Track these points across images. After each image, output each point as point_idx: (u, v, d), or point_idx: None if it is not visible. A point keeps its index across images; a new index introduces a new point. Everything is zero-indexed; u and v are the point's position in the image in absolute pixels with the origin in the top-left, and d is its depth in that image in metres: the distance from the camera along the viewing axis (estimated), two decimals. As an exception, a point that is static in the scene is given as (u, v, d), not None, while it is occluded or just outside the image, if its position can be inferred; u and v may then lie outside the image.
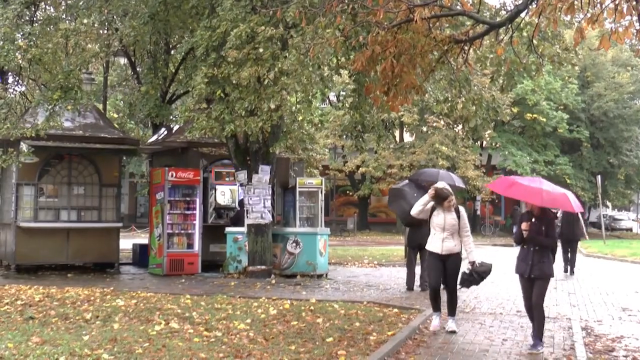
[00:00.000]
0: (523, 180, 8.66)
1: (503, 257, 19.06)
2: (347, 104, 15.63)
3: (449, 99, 13.69)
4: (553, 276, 7.92)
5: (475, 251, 8.67)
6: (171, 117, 17.43)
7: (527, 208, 8.30)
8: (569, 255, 17.03)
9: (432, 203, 8.56)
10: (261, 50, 11.46)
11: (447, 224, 8.46)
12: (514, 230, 8.58)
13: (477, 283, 8.64)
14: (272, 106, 11.72)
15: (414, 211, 8.76)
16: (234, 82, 12.25)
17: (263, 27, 11.00)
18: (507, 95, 28.30)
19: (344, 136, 35.21)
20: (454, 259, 8.55)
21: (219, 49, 12.71)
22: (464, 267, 8.68)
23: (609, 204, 47.72)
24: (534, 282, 7.81)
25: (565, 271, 16.86)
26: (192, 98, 13.21)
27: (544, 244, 7.83)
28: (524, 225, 7.84)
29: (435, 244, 8.58)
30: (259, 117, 12.32)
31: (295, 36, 9.91)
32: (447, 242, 8.48)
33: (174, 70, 18.77)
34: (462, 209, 8.60)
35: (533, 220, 7.83)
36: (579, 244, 18.68)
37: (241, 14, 12.19)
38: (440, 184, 8.77)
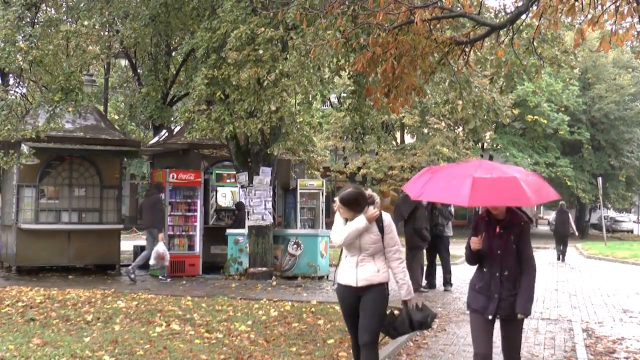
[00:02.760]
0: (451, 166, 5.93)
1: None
2: (347, 106, 15.64)
3: (449, 100, 13.67)
4: (530, 314, 5.31)
5: (410, 284, 5.64)
6: (172, 119, 17.44)
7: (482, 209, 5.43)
8: (562, 248, 21.60)
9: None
10: (261, 51, 11.46)
11: (365, 241, 5.49)
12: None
13: (407, 332, 5.86)
14: (273, 108, 11.71)
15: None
16: (234, 83, 12.24)
17: (263, 29, 10.99)
18: (507, 97, 28.32)
19: (345, 137, 35.31)
20: (375, 293, 5.50)
21: (219, 50, 12.71)
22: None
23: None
24: (503, 325, 5.27)
25: (558, 259, 21.56)
26: (192, 99, 13.21)
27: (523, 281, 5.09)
28: (474, 242, 5.14)
29: (347, 271, 5.61)
30: (259, 118, 12.33)
31: (296, 38, 9.90)
32: (365, 268, 5.51)
33: (174, 72, 18.80)
34: (386, 215, 5.58)
35: (497, 229, 5.13)
36: (581, 244, 20.33)
37: (241, 15, 12.19)
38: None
